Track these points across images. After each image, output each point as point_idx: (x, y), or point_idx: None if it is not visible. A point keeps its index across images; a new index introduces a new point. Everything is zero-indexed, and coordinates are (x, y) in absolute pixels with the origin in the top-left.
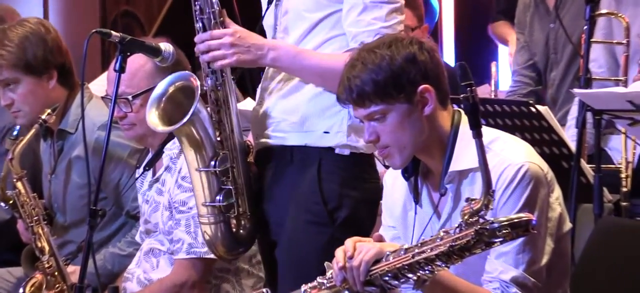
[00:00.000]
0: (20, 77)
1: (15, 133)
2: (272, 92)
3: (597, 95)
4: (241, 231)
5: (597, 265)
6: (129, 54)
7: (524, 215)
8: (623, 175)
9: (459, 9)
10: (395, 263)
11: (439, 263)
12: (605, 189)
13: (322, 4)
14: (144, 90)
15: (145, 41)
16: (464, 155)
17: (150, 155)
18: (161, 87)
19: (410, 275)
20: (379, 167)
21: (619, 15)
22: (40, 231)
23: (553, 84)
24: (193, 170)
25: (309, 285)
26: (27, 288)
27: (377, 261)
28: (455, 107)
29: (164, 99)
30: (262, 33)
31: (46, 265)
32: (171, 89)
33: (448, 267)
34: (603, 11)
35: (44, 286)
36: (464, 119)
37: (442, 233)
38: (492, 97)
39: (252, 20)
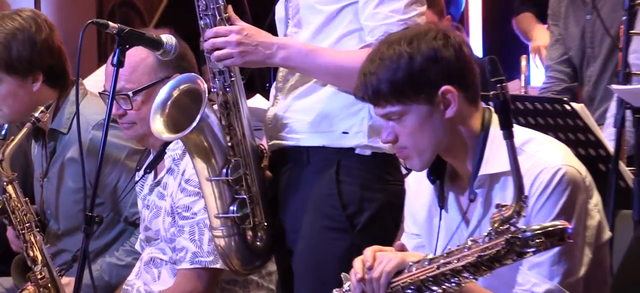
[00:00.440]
0: (2, 76)
1: (3, 132)
2: (287, 91)
3: (638, 91)
4: (257, 243)
5: (637, 276)
6: (127, 46)
7: (560, 223)
8: None
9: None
10: (419, 275)
11: (466, 275)
12: None
13: None
14: (145, 85)
15: (145, 33)
16: (496, 158)
17: (151, 157)
18: (165, 92)
19: (434, 288)
20: (402, 170)
21: None
22: (33, 239)
23: (590, 80)
24: (203, 180)
25: None
26: None
27: (399, 272)
28: (485, 105)
29: (168, 103)
30: (272, 28)
31: (39, 276)
32: (176, 93)
33: (476, 279)
34: None
35: None
36: (496, 118)
37: (469, 243)
38: (523, 93)
39: (262, 15)
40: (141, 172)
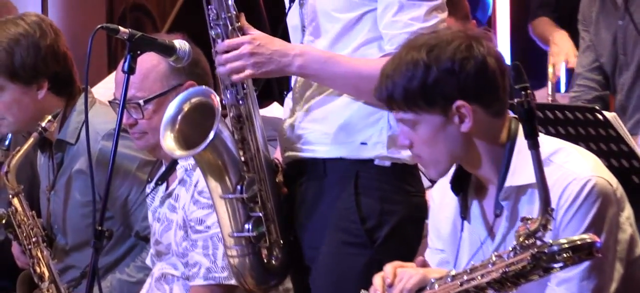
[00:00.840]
0: (5, 83)
1: (7, 143)
2: (303, 101)
3: None
4: (273, 261)
5: None
6: (139, 52)
7: (588, 237)
8: None
9: (516, 2)
10: (441, 292)
11: (490, 291)
12: None
13: (354, 2)
14: (157, 93)
15: (157, 38)
16: (522, 169)
17: (163, 168)
18: (174, 106)
19: None
20: (425, 182)
21: None
22: (40, 254)
23: (622, 88)
24: (216, 197)
25: None
26: None
27: (420, 289)
28: (513, 114)
29: (179, 118)
30: (285, 35)
31: None
32: (186, 107)
33: None
34: None
35: None
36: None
37: (494, 258)
38: (551, 101)
39: (281, 21)
40: (152, 184)
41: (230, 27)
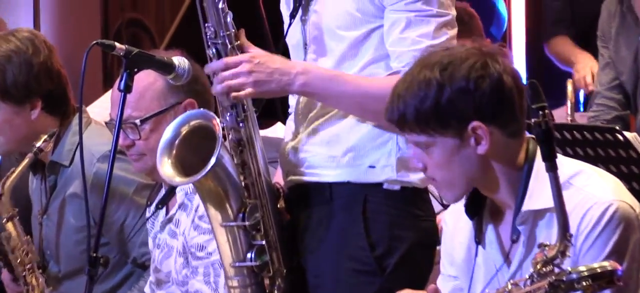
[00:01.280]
0: None
1: None
2: (306, 122)
3: None
4: (276, 292)
5: None
6: (136, 70)
7: (608, 264)
8: None
9: (532, 16)
10: None
11: None
12: None
13: (358, 19)
14: (154, 112)
15: (155, 55)
16: (541, 192)
17: (163, 191)
18: (171, 130)
19: None
20: (436, 206)
21: None
22: (34, 281)
23: None
24: (216, 225)
25: None
26: None
27: None
28: (529, 134)
29: (176, 142)
30: (285, 54)
31: None
32: (184, 130)
33: None
34: None
35: None
36: None
37: (510, 286)
38: (570, 121)
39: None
40: (152, 208)
41: (229, 46)
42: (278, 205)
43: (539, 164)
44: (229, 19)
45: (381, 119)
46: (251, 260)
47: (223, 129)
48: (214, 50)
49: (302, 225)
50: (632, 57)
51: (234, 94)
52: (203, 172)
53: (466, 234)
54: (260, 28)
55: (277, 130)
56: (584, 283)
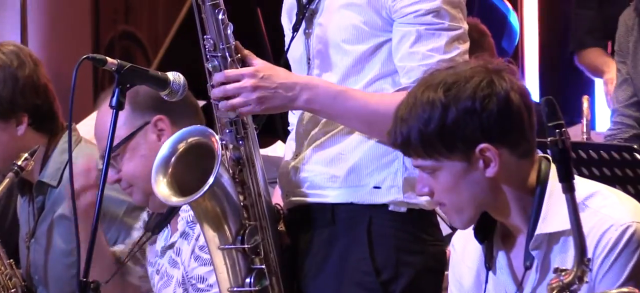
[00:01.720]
0: None
1: None
2: (308, 139)
3: None
4: None
5: None
6: (128, 86)
7: (627, 290)
8: None
9: (545, 30)
10: None
11: None
12: None
13: (365, 32)
14: (123, 138)
15: (149, 70)
16: (554, 215)
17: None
18: (168, 147)
19: None
20: (445, 229)
21: None
22: None
23: None
24: (214, 248)
25: None
26: None
27: None
28: (541, 153)
29: (172, 160)
30: (286, 69)
31: None
32: (181, 147)
33: None
34: None
35: None
36: (554, 169)
37: None
38: (585, 140)
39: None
40: (149, 234)
41: (229, 59)
42: (278, 227)
43: (553, 185)
44: (229, 31)
45: (385, 135)
46: (250, 285)
47: (222, 147)
48: (213, 63)
49: (302, 248)
50: None
51: (234, 112)
52: (201, 192)
53: (475, 259)
54: (260, 40)
55: (277, 149)
56: None
